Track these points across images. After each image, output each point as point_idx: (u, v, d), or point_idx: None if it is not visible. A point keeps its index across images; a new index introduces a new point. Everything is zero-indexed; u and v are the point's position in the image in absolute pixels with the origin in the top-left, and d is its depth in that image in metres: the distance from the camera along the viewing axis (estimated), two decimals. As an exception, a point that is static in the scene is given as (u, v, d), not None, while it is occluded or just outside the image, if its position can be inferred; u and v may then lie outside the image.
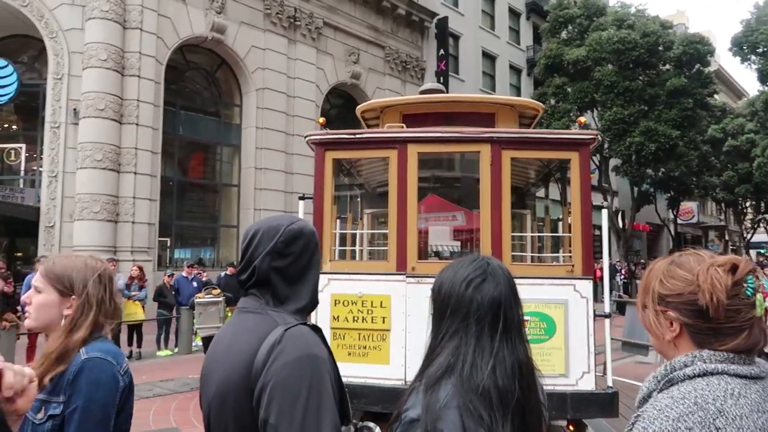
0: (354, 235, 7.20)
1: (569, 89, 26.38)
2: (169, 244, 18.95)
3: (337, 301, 4.70)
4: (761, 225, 36.93)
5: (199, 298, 6.84)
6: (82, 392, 1.57)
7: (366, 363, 4.65)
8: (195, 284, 11.66)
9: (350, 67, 22.75)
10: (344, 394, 1.45)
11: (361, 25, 23.25)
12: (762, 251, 36.53)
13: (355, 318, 4.68)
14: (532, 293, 4.42)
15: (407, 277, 4.68)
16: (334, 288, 4.72)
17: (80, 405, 1.56)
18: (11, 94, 16.35)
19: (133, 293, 11.13)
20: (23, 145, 18.41)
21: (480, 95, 6.52)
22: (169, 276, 11.08)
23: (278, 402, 1.28)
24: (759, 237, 40.05)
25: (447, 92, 26.54)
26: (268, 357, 1.32)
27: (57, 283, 1.73)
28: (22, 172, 18.52)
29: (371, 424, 1.43)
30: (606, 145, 26.12)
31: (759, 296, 1.13)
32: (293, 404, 1.27)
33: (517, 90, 32.32)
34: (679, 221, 37.70)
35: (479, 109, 6.02)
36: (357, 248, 7.15)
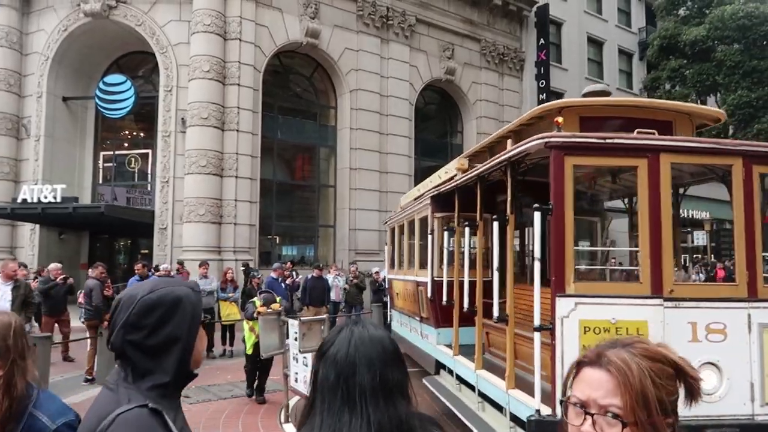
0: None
1: (687, 72, 24.15)
2: (277, 242, 20.00)
3: (587, 328, 4.24)
4: None
5: (262, 313, 6.67)
6: None
7: None
8: (284, 285, 12.11)
9: (444, 63, 22.42)
10: None
11: (455, 19, 22.82)
12: None
13: None
14: None
15: (664, 300, 4.32)
16: (583, 313, 4.28)
17: None
18: (129, 107, 17.91)
19: (229, 294, 11.82)
20: (147, 152, 20.14)
21: (658, 101, 6.23)
22: (257, 278, 11.55)
23: None
24: None
25: (548, 82, 24.83)
26: None
27: None
28: (149, 177, 20.26)
29: None
30: (730, 133, 23.62)
31: None
32: None
33: (627, 76, 30.19)
34: (824, 214, 33.34)
35: (657, 116, 5.64)
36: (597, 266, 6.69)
